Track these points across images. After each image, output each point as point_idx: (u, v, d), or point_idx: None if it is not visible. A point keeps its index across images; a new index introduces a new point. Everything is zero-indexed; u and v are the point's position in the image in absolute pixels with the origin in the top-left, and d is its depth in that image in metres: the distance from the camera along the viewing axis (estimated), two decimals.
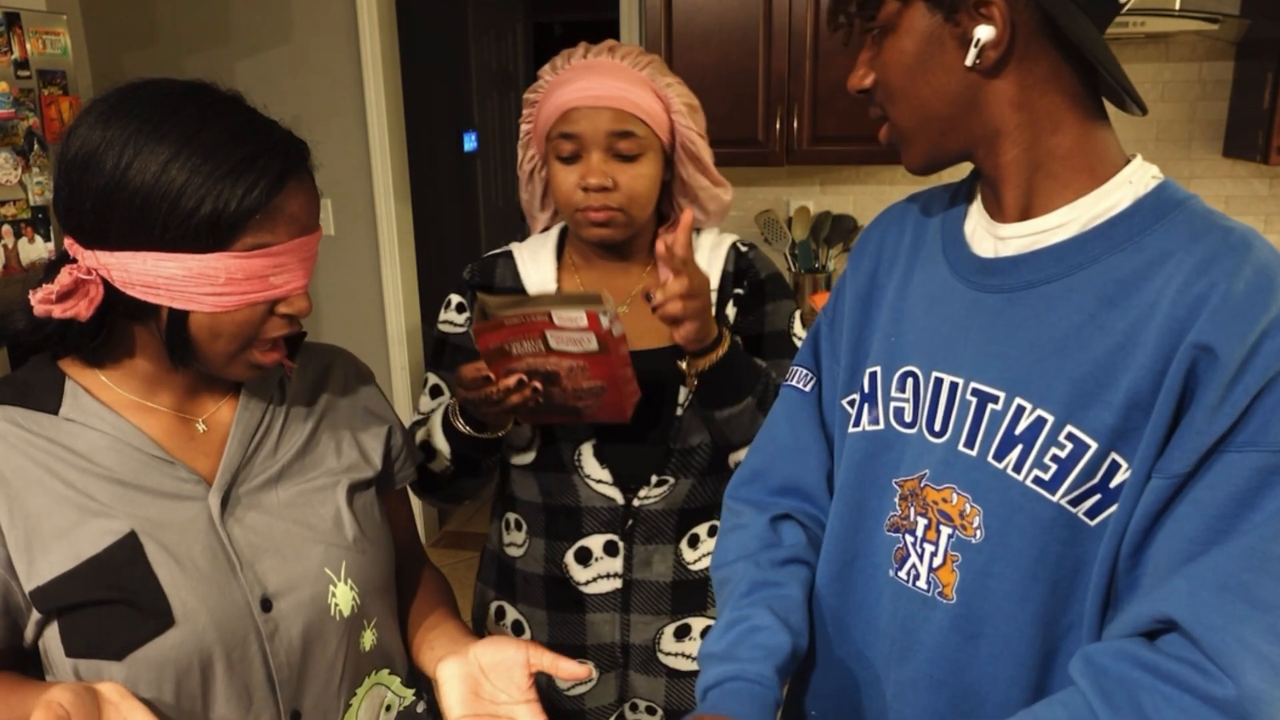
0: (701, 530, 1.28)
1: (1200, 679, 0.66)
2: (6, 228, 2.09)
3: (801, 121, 2.62)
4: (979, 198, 0.86)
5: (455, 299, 1.31)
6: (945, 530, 0.81)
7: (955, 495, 0.80)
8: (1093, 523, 0.74)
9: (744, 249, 1.30)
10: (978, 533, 0.78)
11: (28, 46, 2.13)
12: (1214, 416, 0.68)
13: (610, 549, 1.26)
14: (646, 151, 1.17)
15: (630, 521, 1.25)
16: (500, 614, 1.37)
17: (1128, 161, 0.78)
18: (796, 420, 0.99)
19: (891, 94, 0.80)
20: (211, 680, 0.86)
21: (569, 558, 1.26)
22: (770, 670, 0.86)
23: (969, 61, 0.74)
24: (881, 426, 0.88)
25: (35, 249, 2.17)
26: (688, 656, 1.31)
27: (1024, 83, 0.76)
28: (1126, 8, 2.41)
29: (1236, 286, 0.68)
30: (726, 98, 2.67)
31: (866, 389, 0.90)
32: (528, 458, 1.26)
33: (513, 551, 1.32)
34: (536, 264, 1.29)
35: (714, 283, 1.24)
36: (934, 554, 0.82)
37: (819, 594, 0.96)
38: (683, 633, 1.30)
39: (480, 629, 1.41)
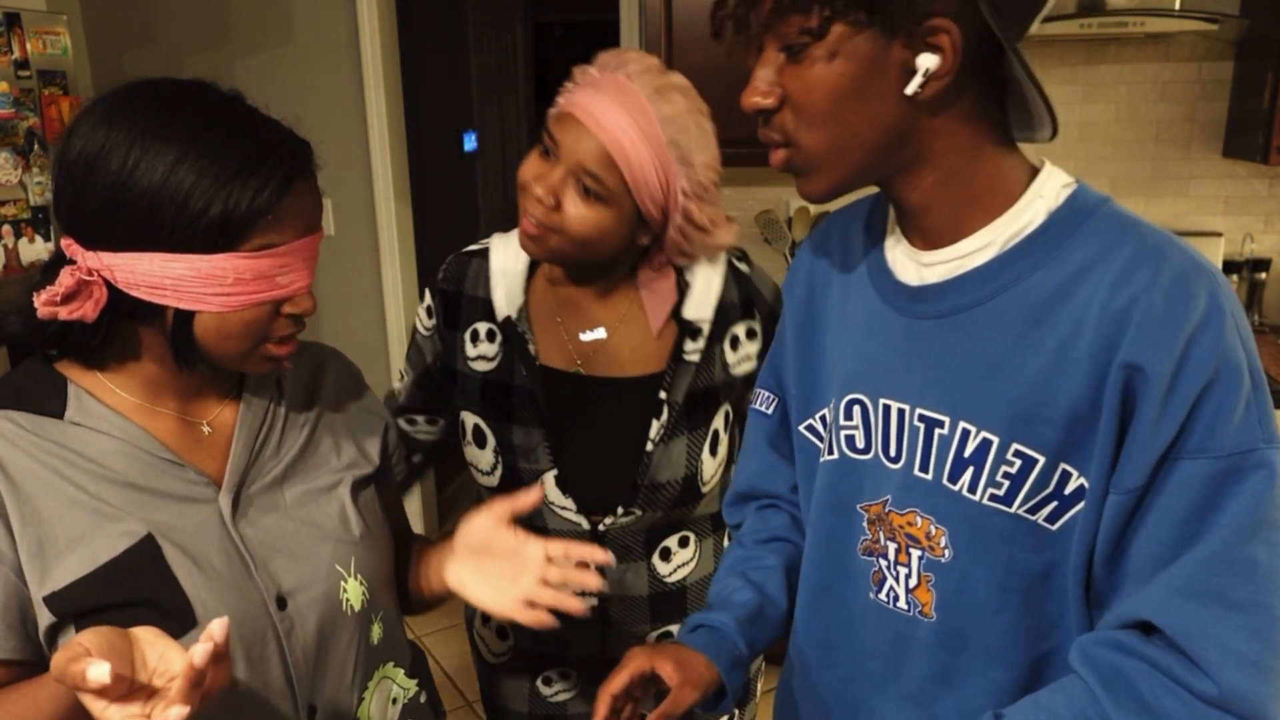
0: (672, 542, 1.26)
1: (1187, 674, 0.69)
2: (6, 228, 2.09)
3: None
4: (894, 225, 0.86)
5: (428, 297, 1.27)
6: (915, 552, 0.82)
7: (919, 518, 0.81)
8: (1054, 527, 0.75)
9: (742, 267, 1.23)
10: (946, 552, 0.80)
11: (28, 46, 2.13)
12: (1157, 429, 0.69)
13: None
14: (608, 203, 1.08)
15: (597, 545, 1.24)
16: (487, 617, 1.36)
17: (1035, 171, 0.78)
18: (762, 443, 1.05)
19: (811, 118, 0.74)
20: (232, 678, 0.85)
21: None
22: (730, 620, 0.93)
23: (910, 90, 0.71)
24: (836, 456, 0.89)
25: (35, 249, 2.17)
26: None
27: (952, 112, 0.74)
28: (1128, 8, 2.39)
29: (1156, 299, 0.69)
30: (726, 98, 2.64)
31: (829, 417, 0.90)
32: (492, 481, 1.25)
33: None
34: (506, 274, 1.22)
35: (708, 312, 1.19)
36: (908, 575, 0.83)
37: (798, 625, 0.98)
38: (664, 640, 1.30)
39: (470, 629, 1.41)
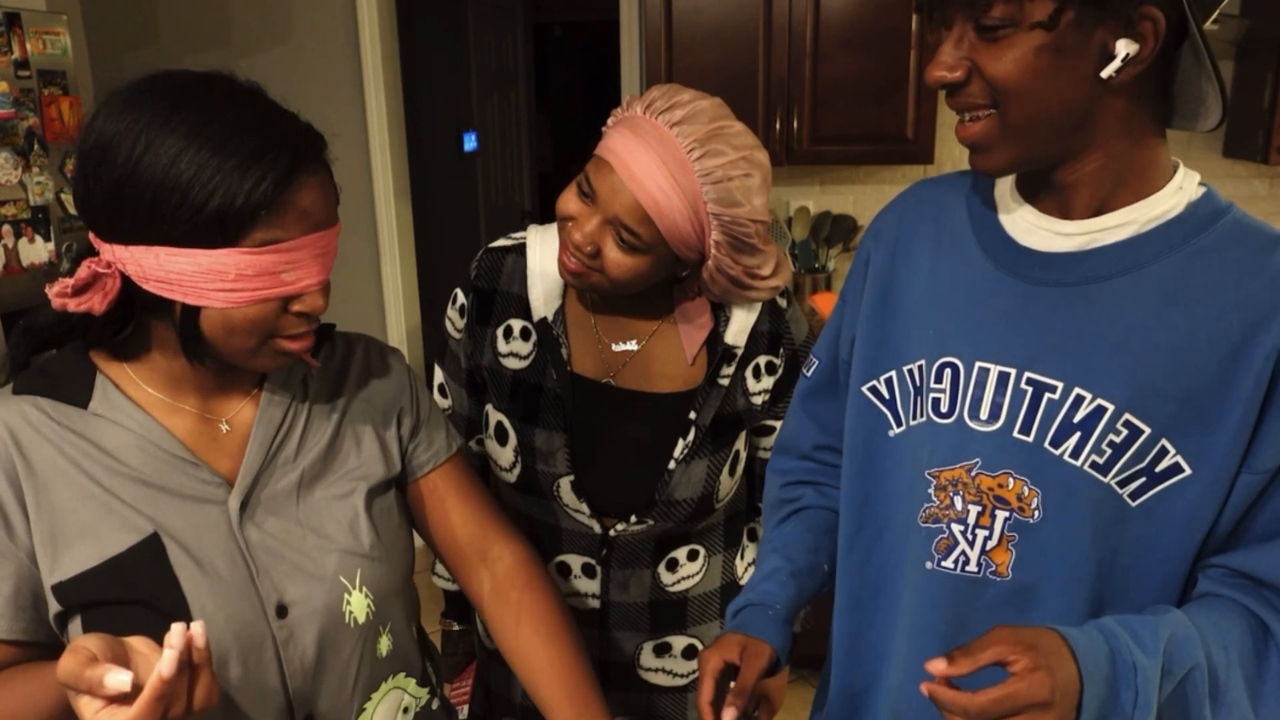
0: (680, 554, 1.26)
1: None
2: (6, 228, 2.09)
3: (801, 121, 2.62)
4: (1014, 190, 0.88)
5: (460, 300, 1.25)
6: (1001, 514, 0.83)
7: (1012, 480, 0.83)
8: (1134, 504, 0.79)
9: (780, 301, 1.23)
10: (1036, 513, 0.82)
11: (28, 46, 2.13)
12: None
13: (588, 571, 1.25)
14: (646, 252, 1.08)
15: (606, 550, 1.24)
16: None
17: (1176, 167, 0.83)
18: (797, 403, 1.11)
19: (1010, 92, 0.76)
20: (226, 683, 0.85)
21: (550, 570, 1.25)
22: (775, 587, 1.00)
23: (1106, 74, 0.74)
24: (918, 422, 0.90)
25: (35, 249, 2.17)
26: (668, 673, 1.30)
27: (1131, 97, 0.77)
28: None
29: None
30: (726, 98, 2.64)
31: (915, 381, 0.91)
32: (511, 477, 1.25)
33: None
34: (545, 276, 1.21)
35: (744, 339, 1.19)
36: (988, 538, 0.84)
37: (838, 594, 1.01)
38: (662, 650, 1.29)
39: (475, 615, 1.40)
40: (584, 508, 1.21)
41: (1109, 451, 0.79)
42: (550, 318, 1.20)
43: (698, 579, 1.28)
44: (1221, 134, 2.73)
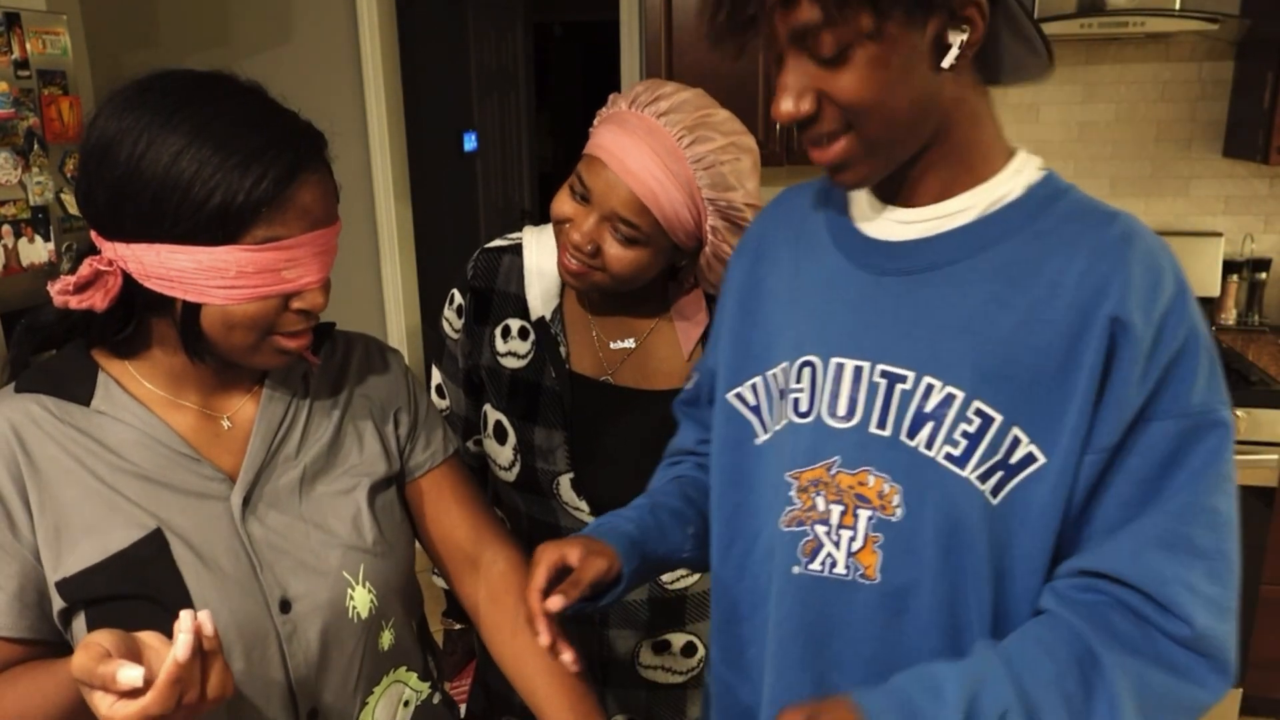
0: None
1: (1161, 618, 0.74)
2: (6, 228, 2.09)
3: None
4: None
5: (457, 300, 1.26)
6: (864, 513, 0.81)
7: (872, 477, 0.81)
8: (996, 501, 0.78)
9: None
10: (898, 510, 0.80)
11: (28, 46, 2.13)
12: (1136, 389, 0.74)
13: None
14: (646, 244, 1.09)
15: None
16: None
17: (1013, 153, 0.82)
18: (680, 413, 1.10)
19: (863, 111, 0.75)
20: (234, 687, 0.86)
21: None
22: (632, 512, 0.99)
23: (946, 64, 0.74)
24: (782, 425, 0.88)
25: (35, 249, 2.17)
26: (668, 670, 1.30)
27: (966, 78, 0.78)
28: (1128, 8, 2.39)
29: (1135, 269, 0.74)
30: (726, 98, 2.65)
31: (778, 384, 0.89)
32: (510, 475, 1.25)
33: None
34: (542, 275, 1.22)
35: None
36: (853, 538, 0.82)
37: (713, 600, 0.98)
38: (661, 648, 1.29)
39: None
40: (583, 505, 1.21)
41: (964, 443, 0.77)
42: (548, 316, 1.20)
43: (697, 577, 1.28)
44: (1221, 134, 2.73)
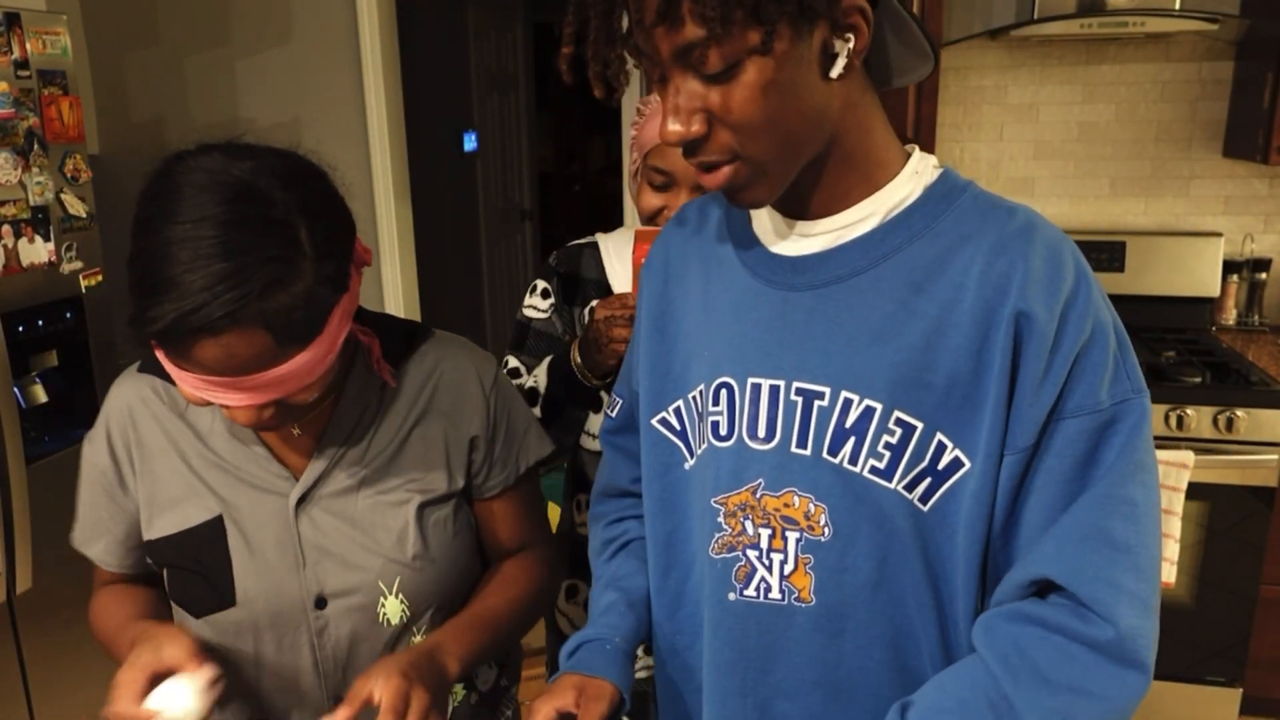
0: None
1: (1083, 625, 0.72)
2: (6, 228, 2.09)
3: None
4: None
5: (541, 285, 1.37)
6: (792, 535, 0.80)
7: (797, 498, 0.79)
8: (926, 508, 0.77)
9: None
10: (826, 530, 0.79)
11: (28, 46, 2.13)
12: (1042, 386, 0.73)
13: None
14: None
15: None
16: (572, 592, 1.41)
17: (909, 154, 0.82)
18: (606, 444, 1.06)
19: (754, 129, 0.72)
20: (263, 658, 0.96)
21: None
22: (614, 619, 0.93)
23: (835, 73, 0.72)
24: (702, 449, 0.86)
25: (35, 249, 2.17)
26: None
27: (854, 84, 0.76)
28: (1128, 8, 2.39)
29: (1035, 263, 0.73)
30: None
31: (696, 407, 0.87)
32: (597, 445, 1.27)
33: (584, 531, 1.36)
34: (622, 260, 1.33)
35: None
36: (784, 561, 0.80)
37: (655, 632, 0.96)
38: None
39: (550, 610, 1.44)
40: None
41: (888, 455, 0.76)
42: None
43: None
44: (1221, 134, 2.73)
